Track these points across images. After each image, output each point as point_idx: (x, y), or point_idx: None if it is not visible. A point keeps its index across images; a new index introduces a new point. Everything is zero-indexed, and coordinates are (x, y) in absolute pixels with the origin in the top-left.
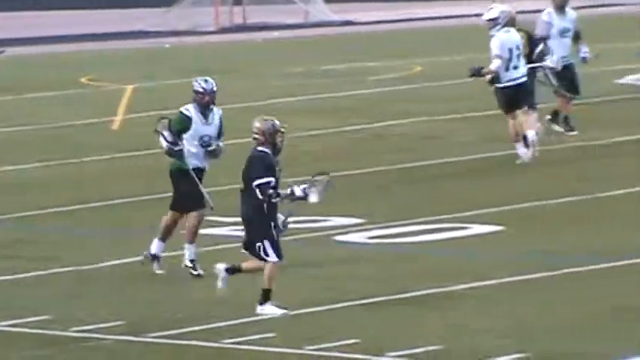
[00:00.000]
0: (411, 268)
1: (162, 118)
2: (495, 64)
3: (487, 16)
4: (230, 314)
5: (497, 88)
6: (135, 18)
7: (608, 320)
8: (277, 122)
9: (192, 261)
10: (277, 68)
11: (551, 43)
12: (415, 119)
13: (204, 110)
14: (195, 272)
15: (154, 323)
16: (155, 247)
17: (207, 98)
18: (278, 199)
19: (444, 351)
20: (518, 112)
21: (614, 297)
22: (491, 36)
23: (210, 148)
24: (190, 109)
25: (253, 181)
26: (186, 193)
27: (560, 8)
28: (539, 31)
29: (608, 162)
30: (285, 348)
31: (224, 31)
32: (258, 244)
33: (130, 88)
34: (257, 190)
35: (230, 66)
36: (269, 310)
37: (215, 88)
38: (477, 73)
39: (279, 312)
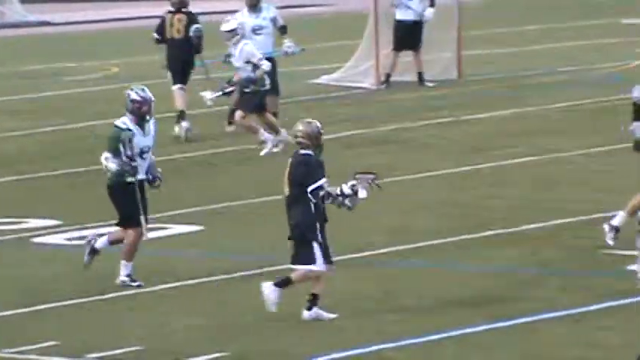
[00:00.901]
0: (110, 268)
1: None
2: (266, 65)
3: (225, 27)
4: None
5: (262, 90)
6: None
7: (306, 319)
8: (319, 124)
9: (128, 275)
10: None
11: (245, 41)
12: (115, 120)
13: (141, 121)
14: (134, 283)
15: None
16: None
17: (145, 108)
18: (330, 199)
19: (144, 351)
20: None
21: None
22: (233, 45)
23: (155, 184)
24: (127, 122)
25: (307, 186)
26: (128, 207)
27: (253, 7)
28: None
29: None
30: None
31: None
32: (306, 247)
33: None
34: (311, 195)
35: None
36: (317, 315)
37: (153, 97)
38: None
39: (329, 316)
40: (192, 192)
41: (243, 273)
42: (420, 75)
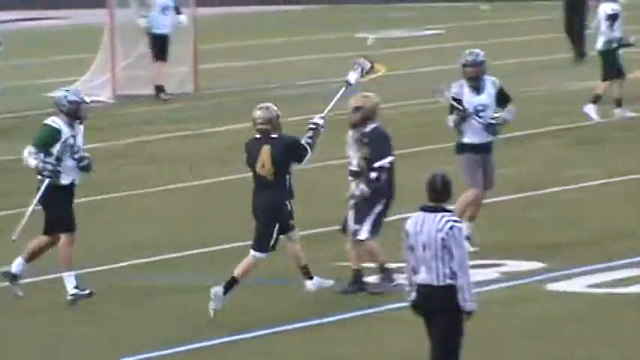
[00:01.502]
0: None
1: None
2: None
3: None
4: None
5: None
6: None
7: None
8: (275, 107)
9: (76, 287)
10: None
11: None
12: None
13: (72, 122)
14: (85, 292)
15: None
16: (17, 265)
17: (81, 108)
18: (314, 140)
19: None
20: None
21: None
22: None
23: (82, 163)
24: (57, 121)
25: (300, 162)
26: (60, 211)
27: None
28: None
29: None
30: None
31: None
32: (270, 230)
33: None
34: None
35: None
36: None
37: (86, 98)
38: None
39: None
40: None
41: None
42: (158, 88)
